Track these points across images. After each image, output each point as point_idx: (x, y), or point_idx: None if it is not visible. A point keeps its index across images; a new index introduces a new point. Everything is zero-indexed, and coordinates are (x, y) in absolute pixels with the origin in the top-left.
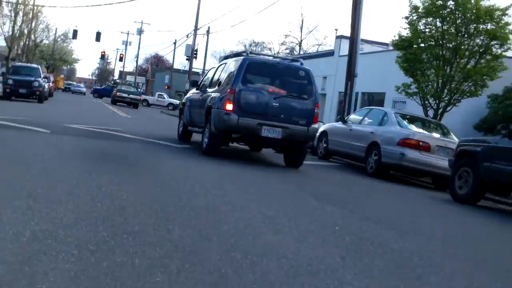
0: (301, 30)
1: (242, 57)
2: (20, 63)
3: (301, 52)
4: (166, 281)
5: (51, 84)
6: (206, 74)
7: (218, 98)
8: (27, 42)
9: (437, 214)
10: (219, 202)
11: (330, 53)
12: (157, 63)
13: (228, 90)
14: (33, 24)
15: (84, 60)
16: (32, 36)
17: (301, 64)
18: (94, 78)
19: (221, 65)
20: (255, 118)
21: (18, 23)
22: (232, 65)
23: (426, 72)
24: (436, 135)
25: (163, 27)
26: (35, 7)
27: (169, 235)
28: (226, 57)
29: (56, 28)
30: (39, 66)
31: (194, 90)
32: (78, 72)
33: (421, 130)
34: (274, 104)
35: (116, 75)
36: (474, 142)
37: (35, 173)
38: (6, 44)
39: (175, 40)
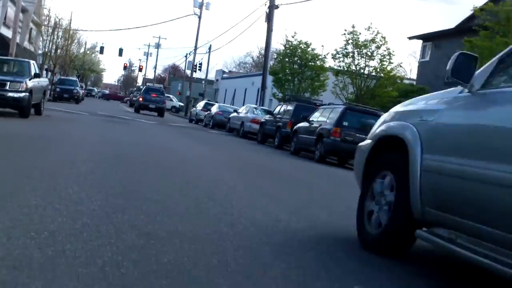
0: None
1: (146, 86)
2: (64, 77)
3: None
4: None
5: (83, 91)
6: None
7: (138, 97)
8: (63, 57)
9: (242, 146)
10: (151, 129)
11: None
12: (174, 73)
13: (140, 94)
14: (69, 43)
15: (110, 68)
16: (68, 52)
17: (162, 88)
18: (119, 84)
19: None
20: (147, 102)
21: (60, 44)
22: (143, 89)
23: (285, 87)
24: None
25: (177, 42)
26: (72, 31)
27: (136, 134)
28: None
29: (86, 42)
30: (77, 79)
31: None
32: (104, 79)
33: (263, 115)
34: (153, 99)
35: (140, 81)
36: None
37: (86, 124)
38: (49, 61)
39: (186, 53)
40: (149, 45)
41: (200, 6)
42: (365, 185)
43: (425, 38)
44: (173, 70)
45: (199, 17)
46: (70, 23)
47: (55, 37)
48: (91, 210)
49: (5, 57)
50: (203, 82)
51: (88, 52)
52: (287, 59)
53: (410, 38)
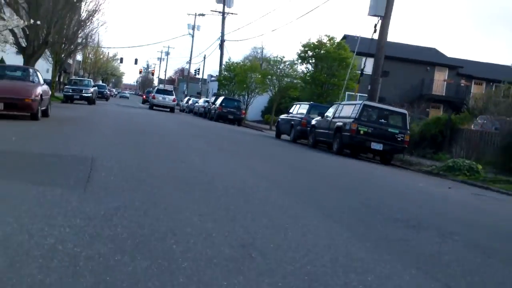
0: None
1: (147, 89)
2: (97, 83)
3: None
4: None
5: (109, 92)
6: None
7: (143, 95)
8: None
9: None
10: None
11: None
12: (183, 75)
13: (144, 94)
14: (98, 59)
15: (130, 71)
16: (97, 64)
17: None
18: (138, 85)
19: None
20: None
21: (92, 59)
22: (147, 90)
23: (225, 88)
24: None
25: (180, 52)
26: (100, 48)
27: (128, 110)
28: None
29: (108, 53)
30: (105, 84)
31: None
32: (124, 80)
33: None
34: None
35: (156, 82)
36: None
37: (115, 106)
38: (83, 70)
39: (188, 61)
40: (161, 52)
41: (193, 28)
42: None
43: None
44: (182, 73)
45: (192, 36)
46: (98, 43)
47: (88, 54)
48: (127, 113)
49: (81, 78)
50: (200, 83)
51: (110, 60)
52: (226, 73)
53: None
